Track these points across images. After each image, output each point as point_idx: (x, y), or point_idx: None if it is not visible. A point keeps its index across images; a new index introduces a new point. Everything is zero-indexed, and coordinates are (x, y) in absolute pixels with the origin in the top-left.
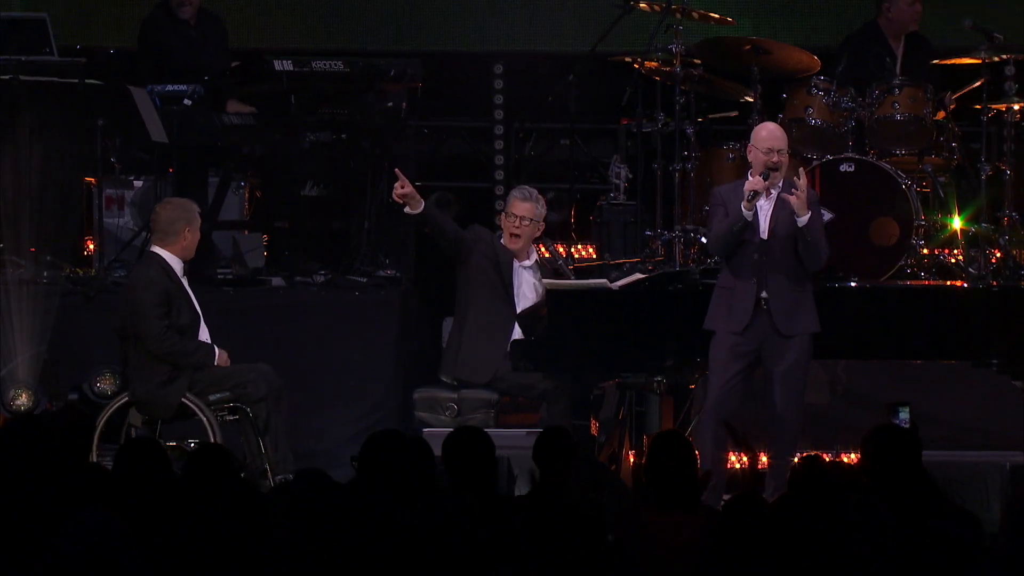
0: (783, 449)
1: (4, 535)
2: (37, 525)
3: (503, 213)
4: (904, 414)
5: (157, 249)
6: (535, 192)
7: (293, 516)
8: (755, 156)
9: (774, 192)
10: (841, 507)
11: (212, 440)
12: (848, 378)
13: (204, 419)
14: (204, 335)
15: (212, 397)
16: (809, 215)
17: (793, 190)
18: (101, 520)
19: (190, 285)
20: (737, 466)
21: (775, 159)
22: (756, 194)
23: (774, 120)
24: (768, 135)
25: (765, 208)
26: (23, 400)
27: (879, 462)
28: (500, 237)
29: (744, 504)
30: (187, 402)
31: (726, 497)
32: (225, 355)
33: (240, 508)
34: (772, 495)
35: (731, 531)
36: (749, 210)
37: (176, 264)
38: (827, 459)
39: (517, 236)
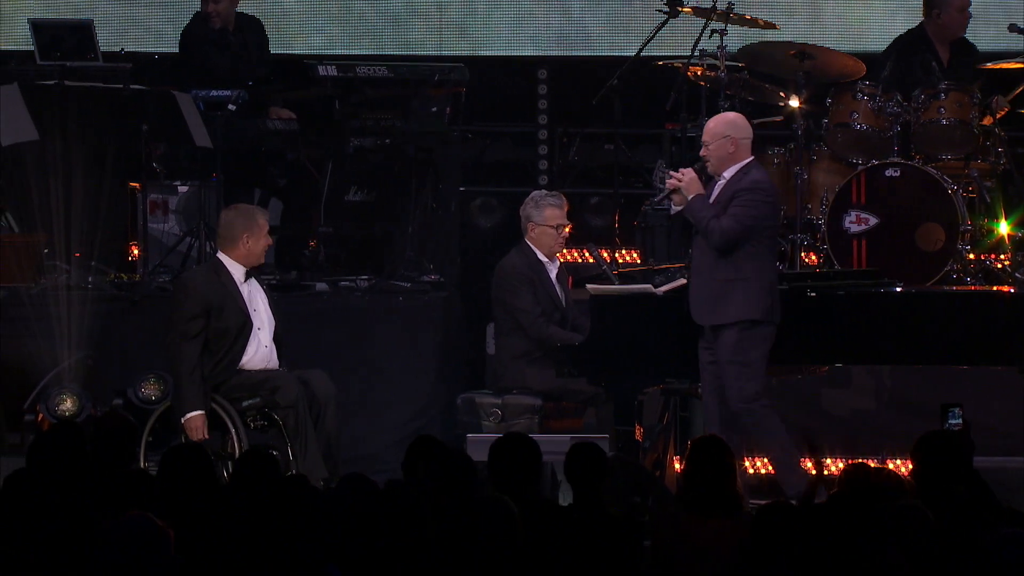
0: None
1: (47, 540)
2: (80, 531)
3: (538, 224)
4: (956, 417)
5: (220, 254)
6: (556, 192)
7: (336, 520)
8: None
9: (719, 183)
10: (884, 514)
11: (237, 448)
12: (894, 384)
13: (231, 427)
14: (263, 340)
15: (244, 404)
16: (690, 198)
17: (677, 177)
18: (141, 526)
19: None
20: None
21: (701, 152)
22: (670, 191)
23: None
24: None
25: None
26: (68, 405)
27: (930, 469)
28: (522, 251)
29: (774, 512)
30: (216, 408)
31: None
32: (196, 423)
33: (284, 513)
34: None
35: (762, 539)
36: (676, 205)
37: (236, 269)
38: (873, 465)
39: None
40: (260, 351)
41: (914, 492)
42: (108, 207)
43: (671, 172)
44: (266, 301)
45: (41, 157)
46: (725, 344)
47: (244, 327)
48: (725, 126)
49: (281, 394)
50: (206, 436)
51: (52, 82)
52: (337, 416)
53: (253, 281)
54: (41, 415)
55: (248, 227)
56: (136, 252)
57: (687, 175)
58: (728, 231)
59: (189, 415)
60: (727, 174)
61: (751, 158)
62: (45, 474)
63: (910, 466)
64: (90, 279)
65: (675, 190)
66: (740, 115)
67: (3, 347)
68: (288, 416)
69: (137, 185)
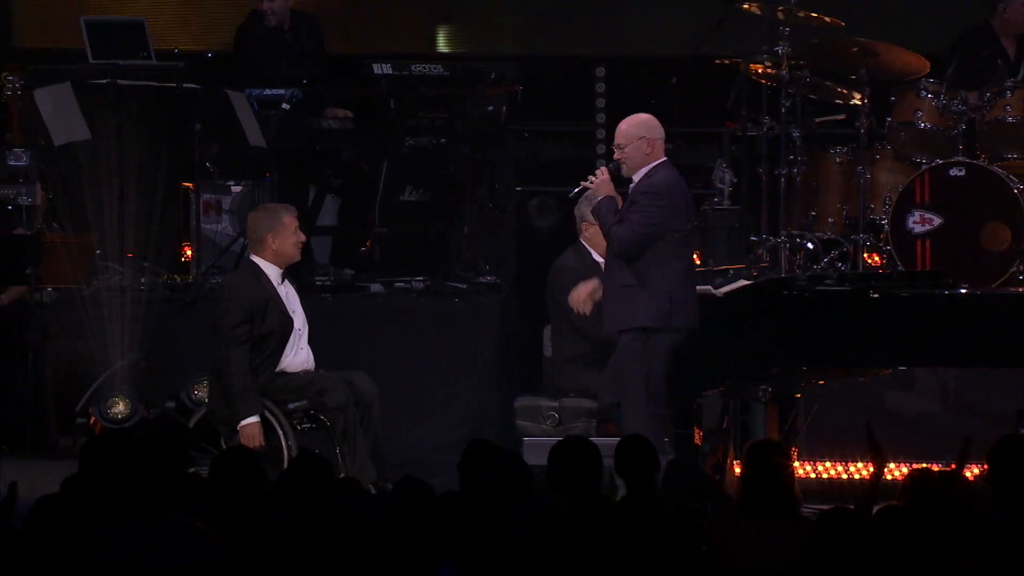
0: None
1: (97, 544)
2: (130, 533)
3: (592, 224)
4: None
5: (253, 256)
6: None
7: (392, 524)
8: None
9: (631, 185)
10: (951, 519)
11: (285, 452)
12: (959, 387)
13: (278, 429)
14: (300, 343)
15: (290, 406)
16: (598, 200)
17: (591, 178)
18: (184, 530)
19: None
20: (857, 477)
21: (615, 155)
22: (582, 189)
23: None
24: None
25: None
26: (120, 408)
27: (1006, 473)
28: (577, 251)
29: (837, 518)
30: (264, 411)
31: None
32: (253, 431)
33: (335, 515)
34: None
35: (824, 545)
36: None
37: (271, 271)
38: (937, 470)
39: None
40: (299, 353)
41: (984, 497)
42: (161, 207)
43: (590, 176)
44: (300, 303)
45: (94, 157)
46: (625, 350)
47: (286, 329)
48: (639, 127)
49: (329, 396)
50: (263, 444)
51: (105, 81)
52: (381, 416)
53: (288, 283)
54: (93, 418)
55: (272, 226)
56: (189, 253)
57: (600, 176)
58: (625, 239)
59: (245, 422)
60: (637, 176)
61: (663, 159)
62: (97, 478)
63: (975, 471)
64: (143, 280)
65: (584, 191)
66: (651, 115)
67: (55, 349)
68: (337, 418)
69: (190, 185)
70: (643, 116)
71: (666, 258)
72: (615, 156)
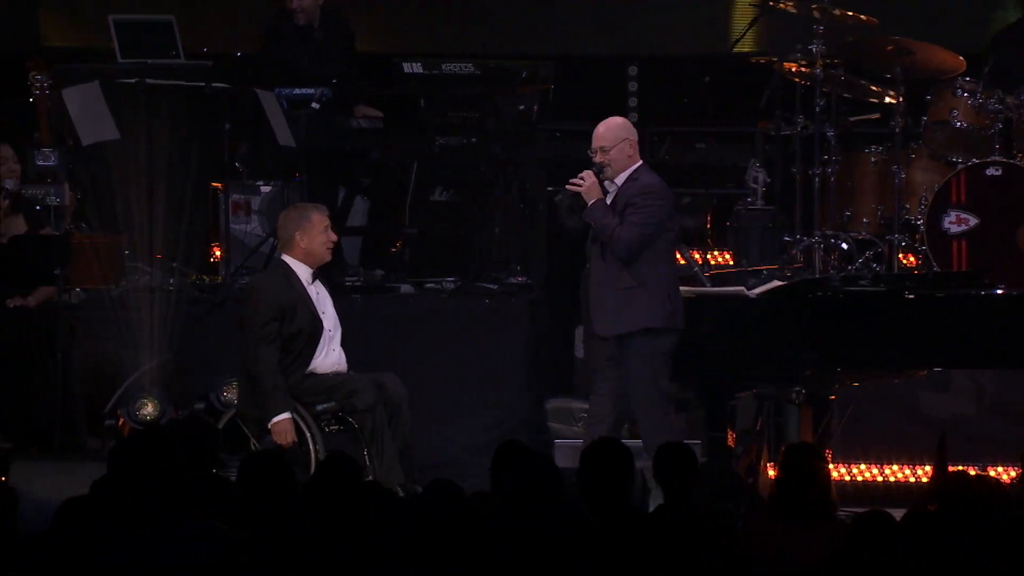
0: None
1: (123, 544)
2: (156, 534)
3: None
4: None
5: (283, 256)
6: None
7: (423, 526)
8: None
9: (613, 189)
10: (988, 523)
11: (312, 455)
12: (995, 389)
13: (306, 431)
14: (332, 344)
15: (318, 408)
16: (591, 204)
17: (578, 181)
18: (212, 531)
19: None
20: (892, 480)
21: (596, 158)
22: (568, 193)
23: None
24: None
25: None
26: (149, 410)
27: None
28: None
29: (872, 521)
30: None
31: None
32: (284, 427)
33: (365, 518)
34: None
35: (859, 548)
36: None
37: (301, 270)
38: (974, 473)
39: None
40: (330, 355)
41: (1020, 501)
42: (190, 207)
43: (573, 180)
44: (332, 304)
45: (123, 156)
46: (633, 353)
47: (315, 330)
48: (621, 129)
49: (359, 398)
50: (295, 440)
51: (133, 80)
52: (410, 418)
53: (319, 283)
54: (122, 420)
55: (300, 225)
56: (218, 253)
57: (588, 178)
58: (631, 242)
59: (277, 419)
60: (620, 179)
61: (640, 161)
62: (126, 479)
63: (1012, 474)
64: (172, 281)
65: (575, 195)
66: (624, 118)
67: (84, 350)
68: (365, 420)
69: (219, 185)
70: (620, 119)
71: (662, 257)
72: (597, 159)
